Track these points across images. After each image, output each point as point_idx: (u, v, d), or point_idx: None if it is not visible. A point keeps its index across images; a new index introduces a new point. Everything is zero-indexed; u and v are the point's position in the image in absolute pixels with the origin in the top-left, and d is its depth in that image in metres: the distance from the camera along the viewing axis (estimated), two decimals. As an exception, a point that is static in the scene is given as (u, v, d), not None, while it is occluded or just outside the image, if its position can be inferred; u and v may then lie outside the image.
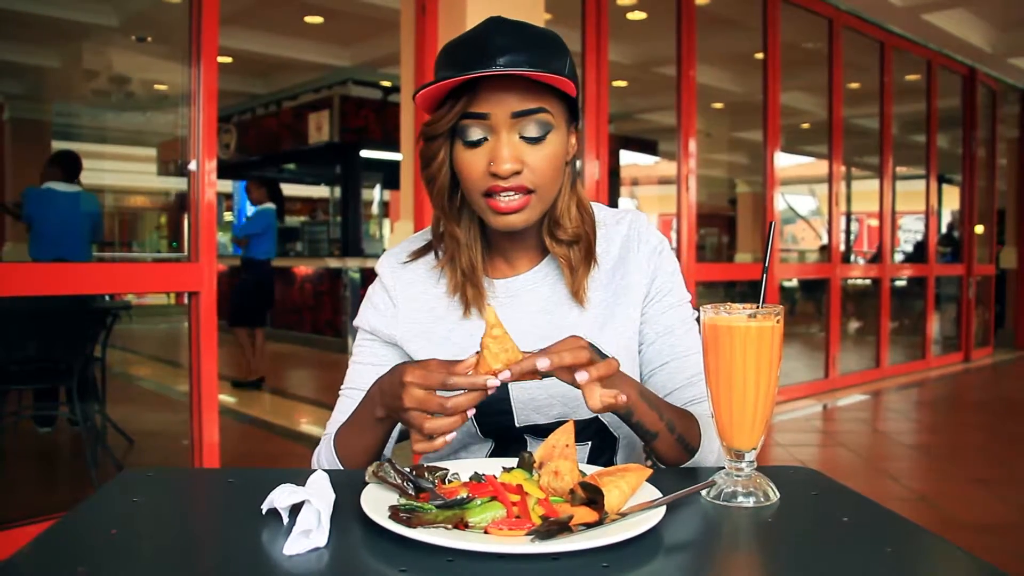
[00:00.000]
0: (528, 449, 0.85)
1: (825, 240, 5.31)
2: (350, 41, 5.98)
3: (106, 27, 4.74)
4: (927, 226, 6.05)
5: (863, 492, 0.74)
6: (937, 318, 6.07)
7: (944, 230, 7.04)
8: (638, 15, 4.77)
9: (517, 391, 0.87)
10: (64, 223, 3.30)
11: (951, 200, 7.04)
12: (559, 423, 0.74)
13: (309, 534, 0.58)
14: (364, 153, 7.04)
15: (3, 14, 3.82)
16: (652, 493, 0.67)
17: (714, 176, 8.36)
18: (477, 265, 0.88)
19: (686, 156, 3.85)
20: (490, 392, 0.69)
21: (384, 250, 1.02)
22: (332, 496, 0.64)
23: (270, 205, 4.94)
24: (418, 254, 0.93)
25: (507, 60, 0.77)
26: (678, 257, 4.01)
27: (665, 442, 0.80)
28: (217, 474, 0.91)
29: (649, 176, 9.80)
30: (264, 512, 0.65)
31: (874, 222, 6.17)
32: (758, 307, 0.71)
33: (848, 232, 6.96)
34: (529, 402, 0.87)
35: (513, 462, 0.73)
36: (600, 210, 0.95)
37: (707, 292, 4.55)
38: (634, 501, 0.65)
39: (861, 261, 7.99)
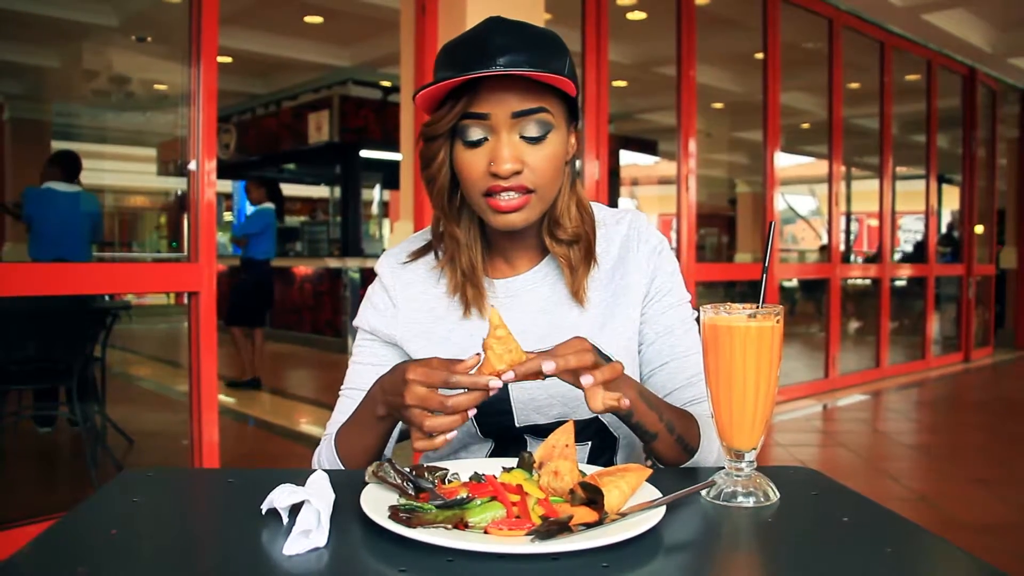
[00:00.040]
0: (528, 449, 0.85)
1: (825, 240, 5.30)
2: (350, 41, 5.97)
3: (106, 27, 4.73)
4: (927, 226, 6.05)
5: (863, 492, 0.74)
6: (937, 318, 6.06)
7: (944, 230, 7.03)
8: (638, 15, 4.76)
9: (517, 391, 0.87)
10: (64, 223, 3.30)
11: (951, 200, 7.03)
12: (559, 423, 0.74)
13: (309, 534, 0.58)
14: (364, 153, 7.04)
15: (3, 14, 3.82)
16: (652, 493, 0.67)
17: (714, 176, 8.36)
18: (477, 265, 0.88)
19: (686, 156, 3.84)
20: (492, 393, 0.69)
21: (384, 250, 1.02)
22: (332, 496, 0.64)
23: (269, 205, 4.93)
24: (418, 254, 0.93)
25: (507, 60, 0.77)
26: (678, 257, 4.02)
27: (664, 443, 0.80)
28: (217, 474, 0.91)
29: (649, 176, 9.79)
30: (264, 512, 0.65)
31: (874, 222, 6.16)
32: (758, 307, 0.71)
33: (848, 232, 6.96)
34: (529, 402, 0.87)
35: (513, 462, 0.73)
36: (600, 210, 0.95)
37: (707, 292, 4.55)
38: (634, 501, 0.65)
39: (860, 261, 7.97)
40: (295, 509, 0.62)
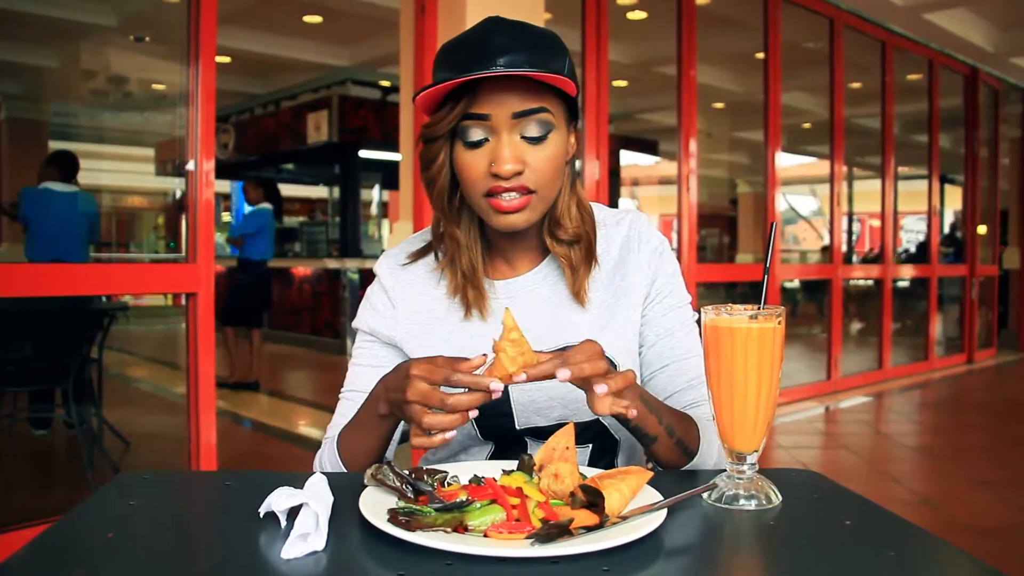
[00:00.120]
0: (528, 451, 0.84)
1: (827, 241, 5.29)
2: (349, 41, 5.97)
3: (104, 27, 4.72)
4: (929, 226, 6.03)
5: (865, 495, 0.74)
6: (940, 319, 6.05)
7: (947, 230, 7.01)
8: (638, 14, 4.75)
9: (517, 393, 0.86)
10: (61, 223, 3.29)
11: (953, 200, 7.02)
12: (560, 425, 0.74)
13: (307, 537, 0.58)
14: (363, 153, 7.03)
15: (1, 14, 3.80)
16: (653, 496, 0.66)
17: (715, 176, 8.33)
18: (478, 266, 0.88)
19: (687, 156, 3.83)
20: (494, 397, 0.68)
21: (383, 251, 1.01)
22: (330, 499, 0.64)
23: (266, 205, 4.91)
24: (417, 255, 0.93)
25: (507, 60, 0.77)
26: (679, 258, 3.99)
27: (664, 446, 0.80)
28: (214, 477, 0.92)
29: (649, 176, 9.78)
30: (262, 515, 0.64)
31: (876, 222, 6.15)
32: (759, 308, 0.70)
33: (850, 232, 6.94)
34: (529, 404, 0.86)
35: (513, 464, 0.72)
36: (600, 210, 0.95)
37: (708, 293, 4.54)
38: (635, 504, 0.64)
39: (858, 261, 7.94)
40: (293, 512, 0.62)
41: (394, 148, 4.79)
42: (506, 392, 0.85)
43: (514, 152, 0.80)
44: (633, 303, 0.90)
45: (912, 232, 7.90)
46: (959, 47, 5.61)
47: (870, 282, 5.75)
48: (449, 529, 0.60)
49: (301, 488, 0.64)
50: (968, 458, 3.44)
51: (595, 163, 3.32)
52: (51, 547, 0.60)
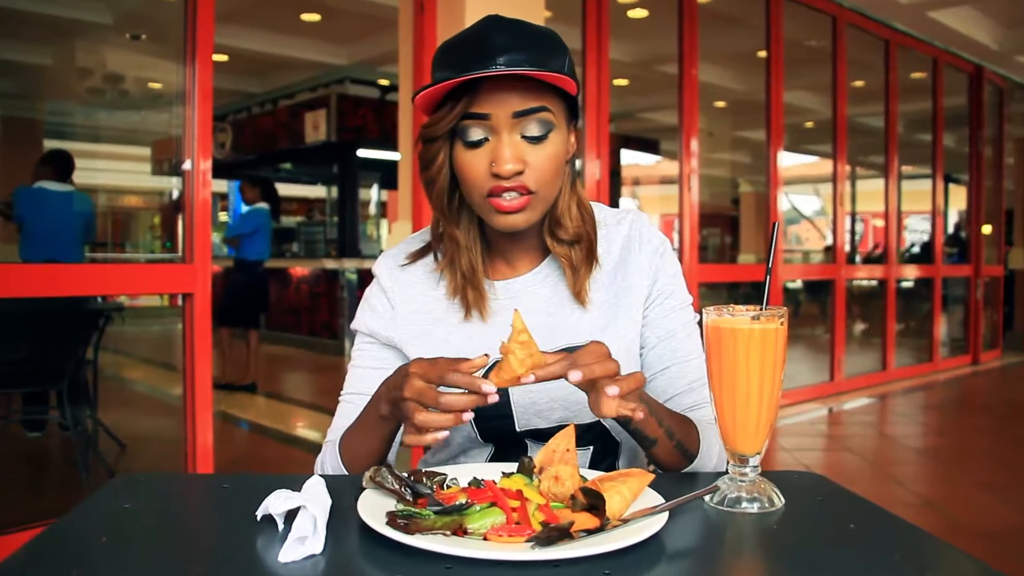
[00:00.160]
0: (529, 453, 0.83)
1: (829, 241, 5.27)
2: (347, 39, 5.98)
3: (100, 24, 4.70)
4: (933, 226, 6.02)
5: (869, 497, 0.73)
6: (944, 320, 6.04)
7: (951, 230, 6.99)
8: (639, 13, 4.75)
9: (518, 395, 0.86)
10: (56, 223, 3.27)
11: (958, 200, 7.00)
12: (561, 427, 0.73)
13: (305, 541, 0.58)
14: (361, 152, 7.02)
15: (-4, 11, 3.78)
16: (654, 499, 0.66)
17: (716, 176, 8.33)
18: (477, 267, 0.88)
19: (688, 155, 3.83)
20: (490, 401, 0.68)
21: (382, 251, 0.99)
22: (328, 502, 0.63)
23: (263, 205, 4.88)
24: (416, 256, 0.93)
25: (507, 59, 0.76)
26: (680, 258, 3.95)
27: (664, 448, 0.80)
28: (211, 479, 0.91)
29: (650, 176, 9.77)
30: (259, 518, 0.64)
31: (879, 222, 6.13)
32: (761, 309, 0.70)
33: (853, 232, 6.93)
34: (530, 406, 0.86)
35: (513, 467, 0.72)
36: (600, 210, 0.95)
37: (710, 294, 4.54)
38: (636, 507, 0.64)
39: (860, 261, 7.92)
40: (291, 515, 0.61)
41: (393, 147, 4.78)
42: (506, 394, 0.85)
43: (514, 152, 0.79)
44: (634, 304, 0.89)
45: (916, 232, 7.87)
46: (963, 45, 5.59)
47: (874, 283, 5.74)
48: (448, 532, 0.60)
49: (299, 491, 0.63)
50: (972, 460, 3.43)
51: (596, 162, 3.31)
52: (45, 551, 0.59)
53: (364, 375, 0.91)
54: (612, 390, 0.68)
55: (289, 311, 7.16)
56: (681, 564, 0.60)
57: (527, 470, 0.69)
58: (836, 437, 3.92)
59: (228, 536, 0.64)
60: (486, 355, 0.70)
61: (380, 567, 0.56)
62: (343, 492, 0.68)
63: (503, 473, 0.70)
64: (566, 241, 0.87)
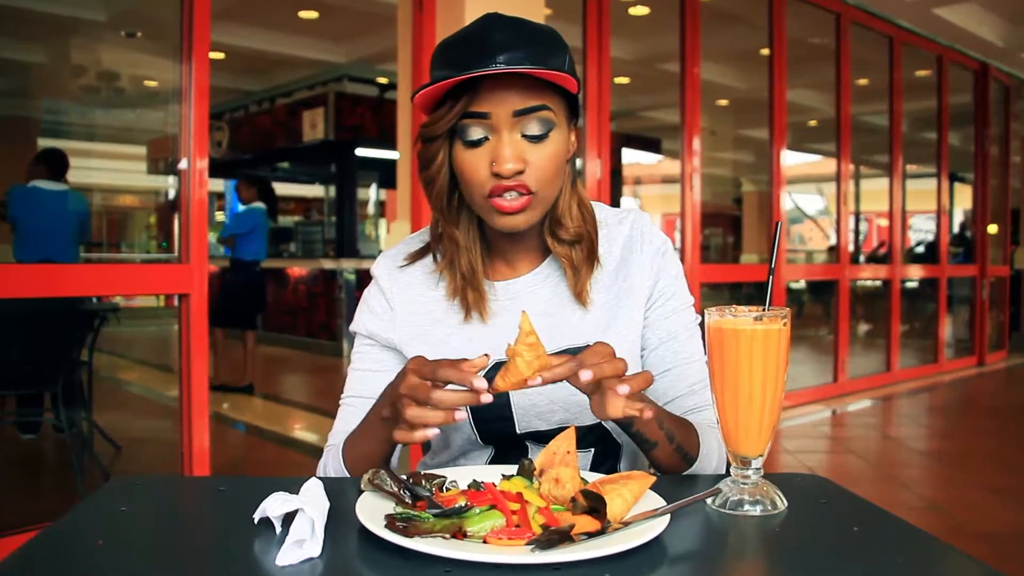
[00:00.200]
0: (529, 456, 0.83)
1: (833, 240, 5.24)
2: (346, 37, 5.98)
3: (95, 22, 4.69)
4: (938, 226, 6.01)
5: (873, 500, 0.73)
6: (949, 321, 6.02)
7: (956, 230, 6.96)
8: (640, 10, 4.75)
9: (518, 397, 0.86)
10: (50, 223, 3.28)
11: (963, 199, 6.97)
12: (561, 429, 0.72)
13: (303, 544, 0.58)
14: (360, 151, 7.02)
15: (-10, 9, 3.75)
16: (656, 501, 0.66)
17: (719, 175, 8.36)
18: (477, 268, 0.88)
19: (690, 154, 3.81)
20: (483, 400, 0.67)
21: (380, 251, 0.96)
22: (326, 504, 0.63)
23: (259, 204, 4.86)
24: (415, 256, 0.92)
25: (507, 57, 0.76)
26: (682, 258, 3.91)
27: (663, 451, 0.80)
28: (207, 482, 0.92)
29: (652, 175, 9.76)
30: (256, 521, 0.63)
31: (884, 222, 6.10)
32: (764, 309, 0.70)
33: (857, 232, 6.90)
34: (530, 408, 0.86)
35: (513, 469, 0.72)
36: (601, 210, 0.94)
37: (712, 294, 4.53)
38: (637, 509, 0.64)
39: (864, 260, 7.90)
40: (288, 518, 0.61)
41: (391, 146, 4.75)
42: (506, 395, 0.85)
43: (515, 151, 0.79)
44: (635, 304, 0.89)
45: (921, 232, 7.83)
46: (969, 42, 5.57)
47: (878, 283, 5.72)
48: (448, 535, 0.59)
49: (296, 493, 0.63)
50: (977, 463, 3.41)
51: (596, 162, 3.31)
52: (40, 555, 0.59)
53: (364, 378, 0.91)
54: (623, 388, 0.67)
55: (287, 312, 7.16)
56: (683, 567, 0.60)
57: (527, 472, 0.69)
58: (839, 439, 3.90)
59: (225, 539, 0.63)
60: (486, 355, 0.69)
61: (379, 570, 0.57)
62: (341, 495, 0.68)
63: (503, 475, 0.70)
64: (567, 241, 0.87)
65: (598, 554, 0.55)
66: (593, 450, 0.89)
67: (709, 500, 0.70)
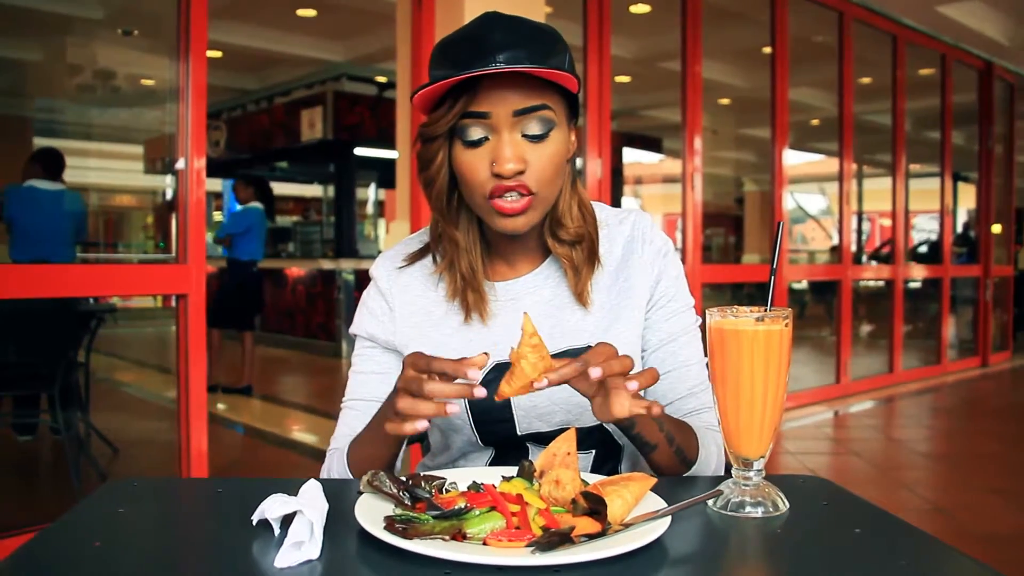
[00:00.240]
0: (530, 457, 0.83)
1: (836, 240, 5.23)
2: (344, 35, 5.97)
3: (90, 19, 4.68)
4: (942, 226, 6.00)
5: (875, 502, 0.72)
6: (953, 321, 6.01)
7: (960, 230, 6.94)
8: (641, 8, 4.74)
9: (519, 398, 0.85)
10: (46, 223, 3.26)
11: (967, 199, 6.95)
12: (562, 430, 0.72)
13: (301, 546, 0.57)
14: (359, 151, 7.02)
15: (-18, 6, 3.73)
16: (657, 503, 0.66)
17: (720, 174, 8.36)
18: (477, 269, 0.87)
19: (691, 154, 3.80)
20: (476, 395, 0.66)
21: (379, 251, 0.94)
22: (325, 506, 0.63)
23: (256, 204, 4.84)
24: (415, 257, 0.92)
25: (507, 57, 0.76)
26: (683, 258, 3.88)
27: (663, 454, 0.79)
28: (205, 484, 0.92)
29: (653, 175, 9.76)
30: (254, 523, 0.63)
31: (887, 221, 6.08)
32: (766, 310, 0.70)
33: (860, 232, 6.89)
34: (531, 409, 0.86)
35: (513, 471, 0.72)
36: (602, 210, 0.94)
37: (713, 294, 4.52)
38: (638, 511, 0.64)
39: (873, 263, 7.89)
40: (287, 520, 0.61)
41: (390, 145, 4.72)
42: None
43: (515, 151, 0.79)
44: (636, 305, 0.89)
45: (924, 232, 7.81)
46: (973, 41, 5.55)
47: (880, 283, 5.70)
48: (447, 537, 0.59)
49: (295, 495, 0.63)
50: (981, 465, 3.40)
51: (597, 161, 3.30)
52: (36, 557, 0.59)
53: (366, 380, 0.90)
54: (632, 385, 0.67)
55: (285, 312, 7.16)
56: (684, 569, 0.60)
57: (527, 474, 0.68)
58: (842, 440, 3.89)
59: (223, 541, 0.63)
60: (485, 353, 0.69)
61: (378, 572, 0.56)
62: (340, 496, 0.68)
63: (503, 477, 0.70)
64: (567, 241, 0.87)
65: (599, 556, 0.56)
66: (594, 452, 0.89)
67: (710, 502, 0.70)
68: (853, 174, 5.20)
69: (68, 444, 2.82)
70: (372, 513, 0.62)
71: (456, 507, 0.62)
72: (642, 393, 0.71)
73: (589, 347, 0.71)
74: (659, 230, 0.93)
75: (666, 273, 0.91)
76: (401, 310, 0.90)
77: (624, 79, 6.06)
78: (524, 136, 0.79)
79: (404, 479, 0.67)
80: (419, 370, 0.68)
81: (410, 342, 0.89)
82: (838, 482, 0.79)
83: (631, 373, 0.69)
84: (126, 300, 6.94)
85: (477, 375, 0.66)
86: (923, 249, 7.05)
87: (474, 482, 0.69)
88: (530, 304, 0.89)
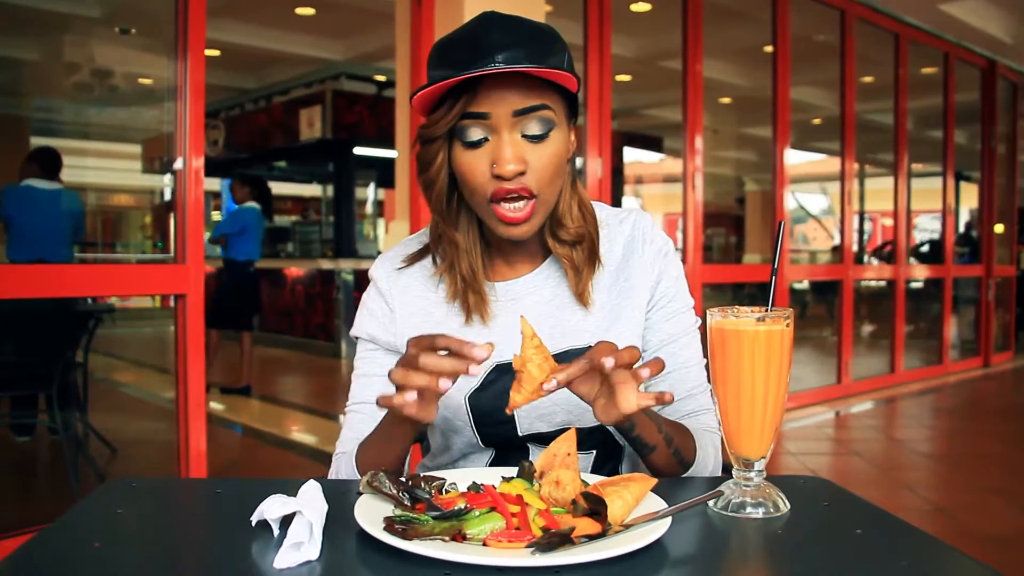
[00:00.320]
0: (530, 458, 0.82)
1: (837, 240, 5.22)
2: (343, 34, 5.97)
3: (88, 18, 4.67)
4: (944, 225, 5.99)
5: (877, 502, 0.72)
6: (955, 321, 6.01)
7: (962, 229, 6.93)
8: (642, 7, 4.74)
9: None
10: (44, 222, 3.26)
11: (969, 198, 6.94)
12: (563, 431, 0.72)
13: (301, 547, 0.57)
14: (358, 150, 7.02)
15: (-22, 5, 3.71)
16: (657, 503, 0.66)
17: (721, 174, 8.36)
18: (478, 271, 0.87)
19: (692, 153, 3.79)
20: (472, 373, 0.66)
21: (379, 252, 0.91)
22: (325, 507, 0.63)
23: (252, 204, 4.82)
24: (414, 258, 0.92)
25: (506, 56, 0.76)
26: (684, 258, 3.86)
27: (661, 456, 0.79)
28: (204, 484, 0.92)
29: (654, 174, 9.76)
30: (254, 524, 0.63)
31: (888, 221, 6.07)
32: (767, 310, 0.70)
33: (861, 232, 6.88)
34: (533, 410, 0.86)
35: (513, 471, 0.72)
36: (602, 209, 0.94)
37: (714, 294, 4.52)
38: (638, 512, 0.64)
39: (874, 261, 7.87)
40: (286, 521, 0.61)
41: (390, 145, 4.70)
42: (508, 396, 0.83)
43: (516, 151, 0.78)
44: (637, 305, 0.89)
45: (926, 231, 7.81)
46: (976, 39, 5.53)
47: (882, 283, 5.69)
48: (447, 538, 0.59)
49: (294, 496, 0.63)
50: (983, 465, 3.39)
51: (597, 161, 3.30)
52: (35, 558, 0.59)
53: (369, 383, 0.90)
54: (645, 372, 0.68)
55: (284, 312, 7.16)
56: (684, 570, 0.60)
57: (527, 474, 0.68)
58: (843, 441, 3.89)
59: (222, 542, 0.63)
60: (490, 343, 0.67)
61: (377, 573, 0.57)
62: (340, 497, 0.68)
63: (503, 478, 0.70)
64: (567, 241, 0.87)
65: (599, 557, 0.56)
66: (594, 452, 0.89)
67: (711, 502, 0.70)
68: (855, 174, 5.21)
69: (66, 444, 2.81)
70: (372, 514, 0.62)
71: (456, 508, 0.62)
72: (643, 388, 0.71)
73: (590, 347, 0.70)
74: (660, 230, 0.93)
75: (667, 273, 0.91)
76: (401, 311, 0.90)
77: (624, 78, 6.05)
78: (524, 136, 0.79)
79: (404, 480, 0.67)
80: (420, 348, 0.68)
81: None
82: (839, 483, 0.79)
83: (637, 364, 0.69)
84: (124, 300, 6.94)
85: (484, 353, 0.65)
86: (925, 249, 7.04)
87: (474, 483, 0.69)
88: (530, 304, 0.88)
